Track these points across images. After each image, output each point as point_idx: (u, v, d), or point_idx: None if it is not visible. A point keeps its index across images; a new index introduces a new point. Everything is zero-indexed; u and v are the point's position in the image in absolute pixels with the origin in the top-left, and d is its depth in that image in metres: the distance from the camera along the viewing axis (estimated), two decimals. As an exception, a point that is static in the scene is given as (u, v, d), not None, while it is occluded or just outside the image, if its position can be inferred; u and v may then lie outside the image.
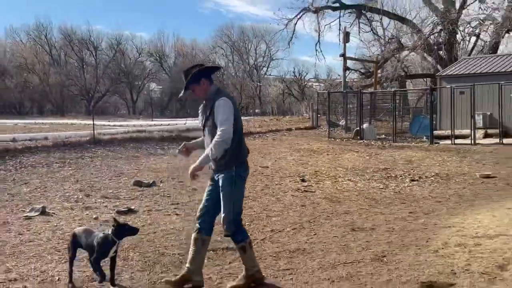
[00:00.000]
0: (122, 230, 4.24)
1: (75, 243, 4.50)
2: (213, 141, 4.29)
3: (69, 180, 10.84)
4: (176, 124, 29.70)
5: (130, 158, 14.76)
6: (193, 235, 4.64)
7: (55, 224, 6.91)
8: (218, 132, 4.27)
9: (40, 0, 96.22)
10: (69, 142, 16.37)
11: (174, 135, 20.25)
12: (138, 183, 10.17)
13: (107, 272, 4.37)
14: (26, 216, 7.44)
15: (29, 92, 57.29)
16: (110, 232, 4.21)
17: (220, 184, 4.49)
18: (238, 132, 4.45)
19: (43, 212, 7.60)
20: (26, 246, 5.85)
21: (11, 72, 57.69)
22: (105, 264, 4.44)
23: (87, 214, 7.60)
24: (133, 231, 4.35)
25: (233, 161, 4.42)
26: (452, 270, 4.80)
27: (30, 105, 57.99)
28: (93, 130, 18.42)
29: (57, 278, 4.75)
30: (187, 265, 4.56)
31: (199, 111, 4.82)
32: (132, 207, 7.93)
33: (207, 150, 4.40)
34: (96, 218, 7.21)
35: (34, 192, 9.47)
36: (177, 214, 7.51)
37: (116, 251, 4.32)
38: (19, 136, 17.49)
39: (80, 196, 9.03)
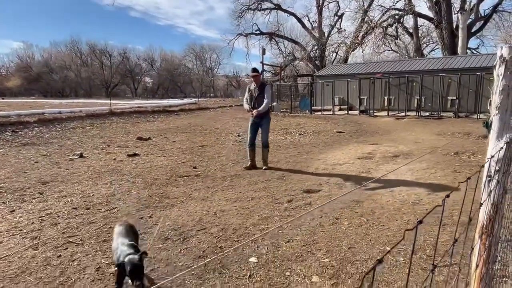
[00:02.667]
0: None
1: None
2: (263, 104, 5.73)
3: (96, 137, 10.23)
4: (161, 102, 28.47)
5: (134, 123, 14.10)
6: (248, 148, 6.03)
7: (89, 163, 6.56)
8: (266, 101, 5.69)
9: (73, 23, 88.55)
10: (95, 113, 15.35)
11: (161, 109, 19.45)
12: (140, 138, 9.78)
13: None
14: (70, 158, 7.01)
15: (68, 82, 52.58)
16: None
17: (262, 123, 5.87)
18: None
19: (81, 155, 7.20)
20: (71, 176, 5.54)
21: (56, 70, 52.93)
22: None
23: (108, 156, 7.25)
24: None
25: (269, 112, 5.95)
26: (320, 182, 5.06)
27: (69, 90, 53.61)
28: (110, 106, 17.40)
29: (91, 194, 4.57)
30: (249, 159, 5.98)
31: (248, 89, 5.99)
32: (137, 152, 7.66)
33: (261, 108, 5.74)
34: (114, 159, 6.93)
35: (75, 144, 8.87)
36: (164, 156, 7.31)
37: None
38: (63, 110, 16.14)
39: (104, 146, 8.59)
